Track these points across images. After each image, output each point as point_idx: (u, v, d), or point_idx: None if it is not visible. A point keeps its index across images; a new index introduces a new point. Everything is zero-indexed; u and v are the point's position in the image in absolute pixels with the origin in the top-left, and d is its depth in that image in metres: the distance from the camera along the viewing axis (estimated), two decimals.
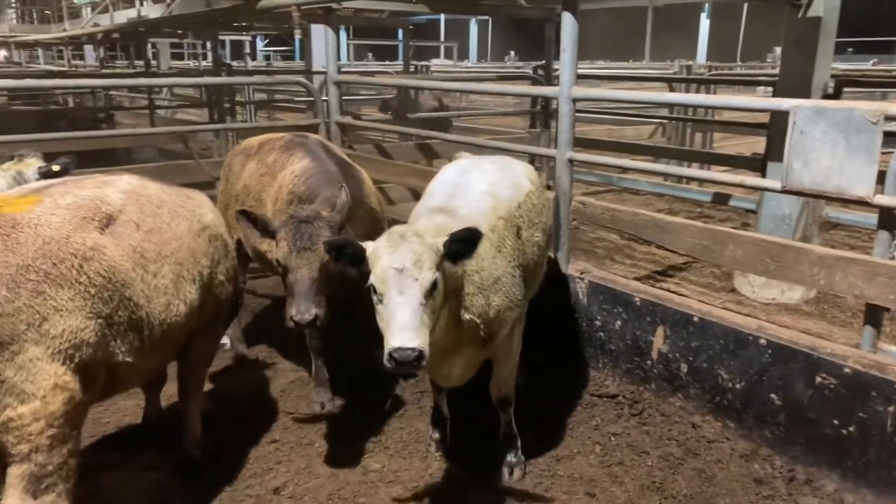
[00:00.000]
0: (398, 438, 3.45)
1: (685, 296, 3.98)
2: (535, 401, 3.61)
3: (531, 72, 8.67)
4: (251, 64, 17.91)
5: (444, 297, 2.45)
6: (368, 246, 2.44)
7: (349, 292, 3.13)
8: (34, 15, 21.17)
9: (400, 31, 16.25)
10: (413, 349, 2.22)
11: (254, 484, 3.08)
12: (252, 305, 5.11)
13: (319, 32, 12.45)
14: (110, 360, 2.34)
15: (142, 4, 11.79)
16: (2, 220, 2.15)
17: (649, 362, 3.62)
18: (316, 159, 3.61)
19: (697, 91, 9.02)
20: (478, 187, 2.98)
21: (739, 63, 20.45)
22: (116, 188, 2.60)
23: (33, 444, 2.09)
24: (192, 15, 8.84)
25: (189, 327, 2.75)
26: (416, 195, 6.07)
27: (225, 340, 4.15)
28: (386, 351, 2.25)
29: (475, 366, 2.93)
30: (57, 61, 22.06)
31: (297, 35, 6.80)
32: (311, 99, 8.60)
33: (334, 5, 5.87)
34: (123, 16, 12.90)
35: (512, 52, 24.32)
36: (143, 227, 2.56)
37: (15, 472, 2.08)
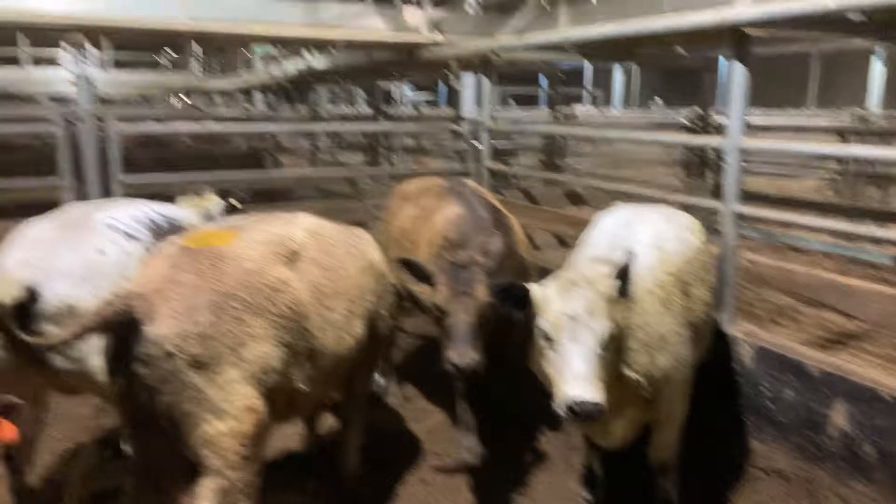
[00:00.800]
0: (546, 494, 3.37)
1: (864, 368, 3.62)
2: (693, 469, 3.41)
3: (685, 120, 8.43)
4: (401, 110, 18.83)
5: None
6: (535, 290, 2.47)
7: (499, 338, 3.17)
8: (210, 65, 23.61)
9: (541, 77, 16.42)
10: (595, 403, 2.21)
11: None
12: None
13: (468, 79, 12.99)
14: (289, 386, 2.50)
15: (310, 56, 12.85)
16: (210, 252, 2.39)
17: (826, 439, 3.30)
18: (468, 205, 3.71)
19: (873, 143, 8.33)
20: (643, 240, 2.92)
21: None
22: (299, 226, 2.81)
23: (226, 460, 2.26)
24: (356, 66, 9.44)
25: (354, 360, 2.88)
26: (562, 241, 6.08)
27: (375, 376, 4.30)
28: (562, 400, 2.25)
29: (637, 427, 2.82)
30: (230, 107, 24.39)
31: (454, 83, 7.04)
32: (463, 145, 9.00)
33: (493, 57, 6.06)
34: (293, 66, 14.10)
35: (657, 99, 23.77)
36: (321, 265, 2.74)
37: (207, 485, 2.26)
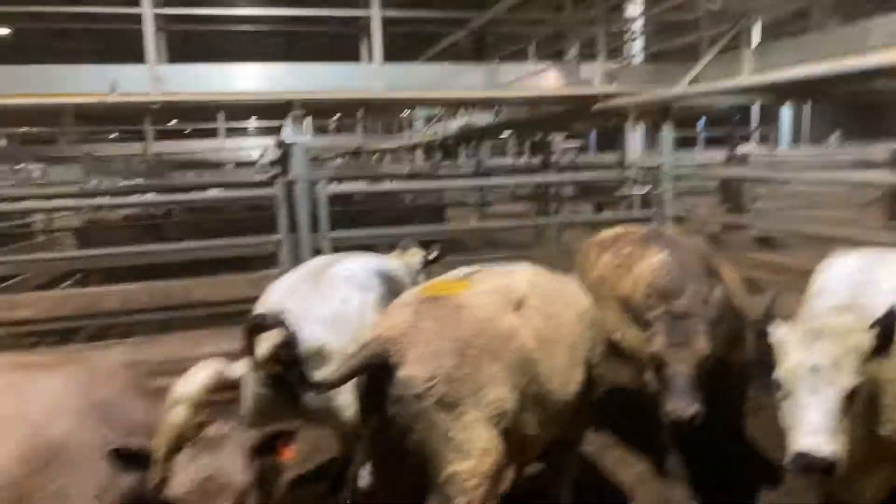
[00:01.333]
0: None
1: None
2: None
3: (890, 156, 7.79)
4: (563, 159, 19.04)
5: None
6: (773, 335, 2.41)
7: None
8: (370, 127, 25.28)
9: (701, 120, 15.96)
10: (822, 458, 2.10)
11: None
12: None
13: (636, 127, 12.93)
14: (520, 431, 2.60)
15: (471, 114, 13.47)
16: (448, 301, 2.59)
17: None
18: (674, 253, 3.67)
19: None
20: (888, 287, 2.74)
21: None
22: (521, 276, 2.95)
23: (469, 498, 2.39)
24: (519, 121, 9.77)
25: (574, 406, 2.94)
26: (757, 288, 5.76)
27: None
28: (791, 451, 2.17)
29: (888, 489, 2.61)
30: (392, 165, 25.99)
31: (630, 130, 7.06)
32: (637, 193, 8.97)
33: (673, 105, 6.05)
34: (455, 125, 14.85)
35: (833, 136, 22.04)
36: (543, 313, 2.85)
37: None
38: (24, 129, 18.12)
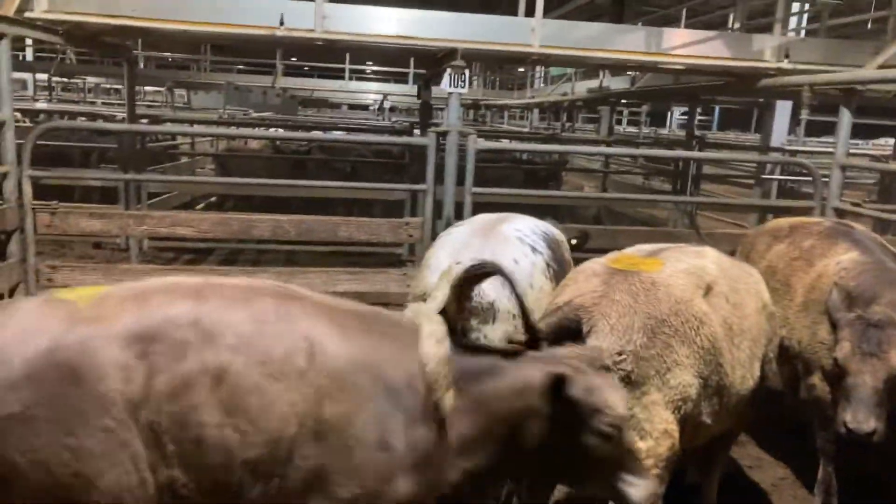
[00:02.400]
0: None
1: None
2: None
3: None
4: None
5: None
6: None
7: None
8: (496, 82, 25.03)
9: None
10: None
11: None
12: None
13: (782, 108, 12.02)
14: (697, 419, 2.50)
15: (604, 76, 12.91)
16: (642, 277, 2.48)
17: None
18: (867, 253, 3.37)
19: None
20: None
21: None
22: (710, 260, 2.80)
23: (648, 472, 2.32)
24: (666, 88, 9.23)
25: (746, 402, 2.79)
26: None
27: None
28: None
29: None
30: (507, 122, 25.68)
31: (805, 112, 6.51)
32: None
33: (858, 86, 5.51)
34: (584, 86, 14.31)
35: None
36: (730, 301, 2.69)
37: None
38: (166, 54, 19.10)
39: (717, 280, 2.68)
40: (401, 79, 21.88)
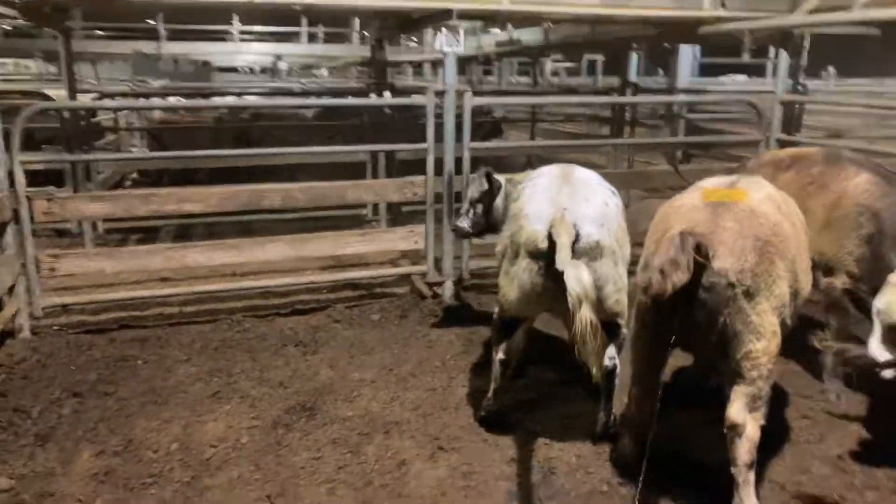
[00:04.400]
0: None
1: None
2: None
3: None
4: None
5: None
6: None
7: None
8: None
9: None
10: None
11: None
12: None
13: (684, 51, 12.94)
14: (785, 321, 2.99)
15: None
16: (741, 206, 2.91)
17: None
18: (877, 173, 3.97)
19: None
20: None
21: None
22: (770, 188, 3.27)
23: (759, 372, 2.79)
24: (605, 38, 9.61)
25: (799, 308, 3.32)
26: None
27: None
28: None
29: None
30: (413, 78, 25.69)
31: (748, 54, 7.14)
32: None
33: (795, 30, 6.22)
34: (491, 41, 14.64)
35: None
36: (792, 221, 3.19)
37: (743, 391, 2.80)
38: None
39: (782, 204, 3.17)
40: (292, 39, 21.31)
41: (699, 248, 2.68)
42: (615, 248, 3.27)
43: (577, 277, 2.81)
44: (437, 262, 5.79)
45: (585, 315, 2.74)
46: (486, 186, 4.28)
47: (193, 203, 5.00)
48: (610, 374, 3.45)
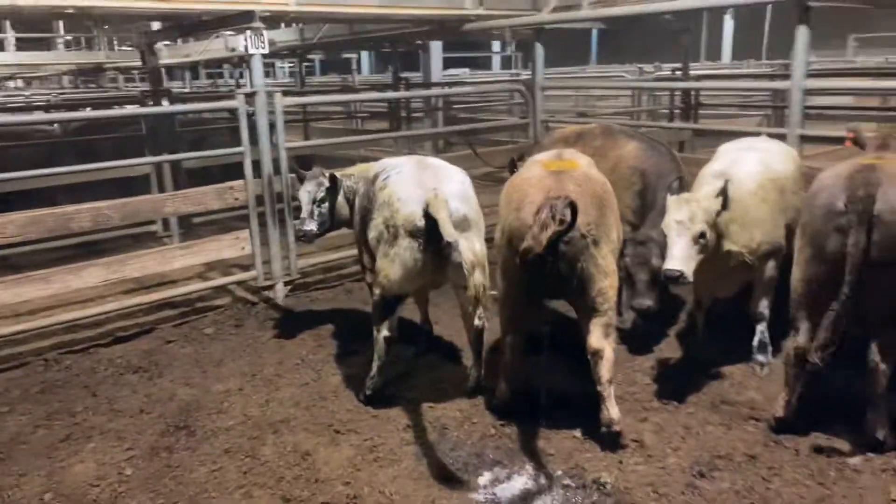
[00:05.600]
0: None
1: None
2: None
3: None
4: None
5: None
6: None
7: None
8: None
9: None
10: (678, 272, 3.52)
11: None
12: None
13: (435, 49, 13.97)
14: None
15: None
16: (576, 172, 3.51)
17: None
18: (644, 141, 4.95)
19: None
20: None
21: None
22: (586, 157, 3.96)
23: (609, 305, 3.44)
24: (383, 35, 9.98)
25: None
26: None
27: None
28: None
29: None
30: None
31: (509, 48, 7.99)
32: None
33: (546, 26, 7.24)
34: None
35: None
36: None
37: (599, 321, 3.42)
38: None
39: (595, 168, 3.90)
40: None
41: (573, 206, 3.18)
42: (478, 220, 3.73)
43: (469, 248, 3.19)
44: (265, 266, 5.78)
45: (478, 279, 3.11)
46: (327, 185, 4.44)
47: None
48: (479, 333, 3.92)
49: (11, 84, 20.39)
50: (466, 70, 22.51)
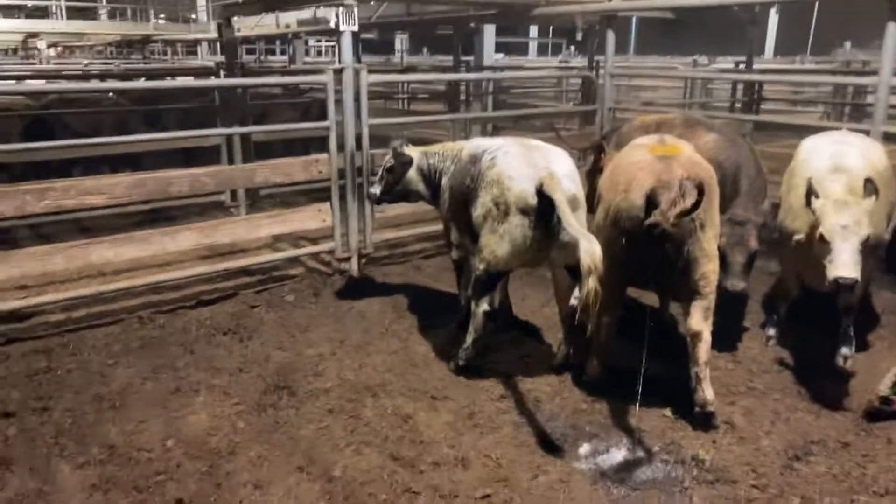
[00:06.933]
0: None
1: None
2: None
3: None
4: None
5: None
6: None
7: None
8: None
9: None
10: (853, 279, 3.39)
11: None
12: None
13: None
14: None
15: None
16: (682, 157, 3.59)
17: None
18: (723, 134, 5.00)
19: None
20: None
21: None
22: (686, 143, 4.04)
23: (712, 287, 3.53)
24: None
25: None
26: None
27: None
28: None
29: None
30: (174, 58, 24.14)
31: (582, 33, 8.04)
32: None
33: (619, 13, 7.27)
34: (294, 17, 14.51)
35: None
36: None
37: (700, 304, 3.53)
38: None
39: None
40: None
41: (700, 187, 3.27)
42: (584, 200, 3.83)
43: (589, 251, 3.22)
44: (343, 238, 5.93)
45: (592, 286, 3.16)
46: (391, 162, 4.71)
47: (96, 195, 4.59)
48: (574, 312, 4.02)
49: (50, 51, 20.89)
50: (501, 55, 22.53)
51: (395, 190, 4.80)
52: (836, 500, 3.10)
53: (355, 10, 5.44)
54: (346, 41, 5.57)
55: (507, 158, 3.80)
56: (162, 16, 24.21)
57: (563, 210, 3.44)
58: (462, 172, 4.15)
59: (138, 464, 3.35)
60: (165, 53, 25.84)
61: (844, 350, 4.26)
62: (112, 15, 24.10)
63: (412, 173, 4.71)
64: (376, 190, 4.85)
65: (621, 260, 3.59)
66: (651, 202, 3.35)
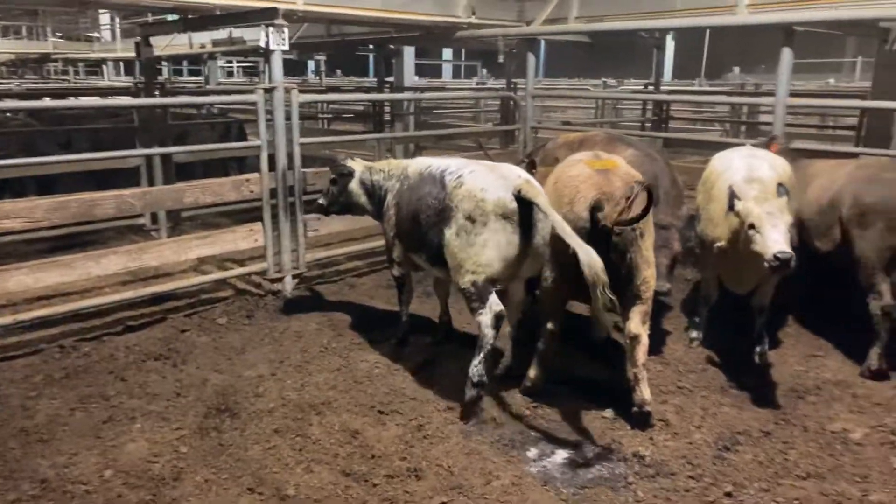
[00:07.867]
0: None
1: None
2: None
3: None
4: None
5: None
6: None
7: None
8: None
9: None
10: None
11: None
12: None
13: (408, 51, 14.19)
14: None
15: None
16: (619, 170, 3.80)
17: None
18: (640, 149, 5.31)
19: None
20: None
21: None
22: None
23: (649, 293, 3.74)
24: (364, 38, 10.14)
25: None
26: None
27: None
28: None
29: None
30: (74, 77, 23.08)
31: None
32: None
33: (539, 37, 7.59)
34: (206, 37, 14.22)
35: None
36: None
37: (639, 309, 3.72)
38: None
39: None
40: None
41: (650, 193, 3.47)
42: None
43: (589, 263, 3.27)
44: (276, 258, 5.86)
45: (601, 295, 3.24)
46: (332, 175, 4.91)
47: (14, 219, 4.35)
48: (520, 324, 4.17)
49: None
50: (415, 77, 22.89)
51: (340, 201, 4.95)
52: (763, 484, 3.33)
53: (286, 29, 5.44)
54: (277, 61, 5.55)
55: (473, 176, 3.81)
56: (58, 34, 23.17)
57: (553, 215, 3.52)
58: (417, 192, 4.12)
59: (74, 497, 3.19)
60: (66, 73, 24.65)
61: (759, 348, 4.59)
62: (5, 33, 22.84)
63: (354, 186, 4.81)
64: (323, 201, 5.02)
65: (568, 270, 3.72)
66: (595, 213, 3.53)
